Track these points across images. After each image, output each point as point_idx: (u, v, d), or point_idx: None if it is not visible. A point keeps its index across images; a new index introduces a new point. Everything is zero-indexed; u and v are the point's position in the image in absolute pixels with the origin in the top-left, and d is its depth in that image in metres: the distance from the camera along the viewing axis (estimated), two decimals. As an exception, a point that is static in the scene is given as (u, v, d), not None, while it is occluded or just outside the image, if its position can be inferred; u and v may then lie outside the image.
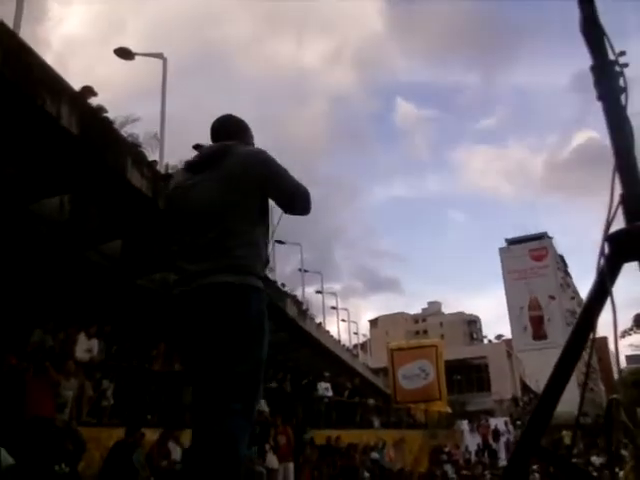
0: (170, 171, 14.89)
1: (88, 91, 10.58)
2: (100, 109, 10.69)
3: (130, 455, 8.19)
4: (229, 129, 2.89)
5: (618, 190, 1.64)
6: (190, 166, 2.79)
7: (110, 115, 11.10)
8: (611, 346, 77.84)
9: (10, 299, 8.78)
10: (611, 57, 1.76)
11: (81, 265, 10.44)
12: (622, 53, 1.77)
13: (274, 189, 2.71)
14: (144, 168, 10.54)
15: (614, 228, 1.64)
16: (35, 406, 7.60)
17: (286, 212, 2.81)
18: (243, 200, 2.61)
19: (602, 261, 1.62)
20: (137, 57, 15.08)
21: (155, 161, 13.55)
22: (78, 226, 9.76)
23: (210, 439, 2.42)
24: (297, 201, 2.77)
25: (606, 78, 1.74)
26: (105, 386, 9.71)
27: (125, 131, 10.97)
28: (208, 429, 2.45)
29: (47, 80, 8.05)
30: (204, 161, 2.74)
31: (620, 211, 1.64)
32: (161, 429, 9.43)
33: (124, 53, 14.77)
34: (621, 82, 1.74)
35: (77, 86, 9.65)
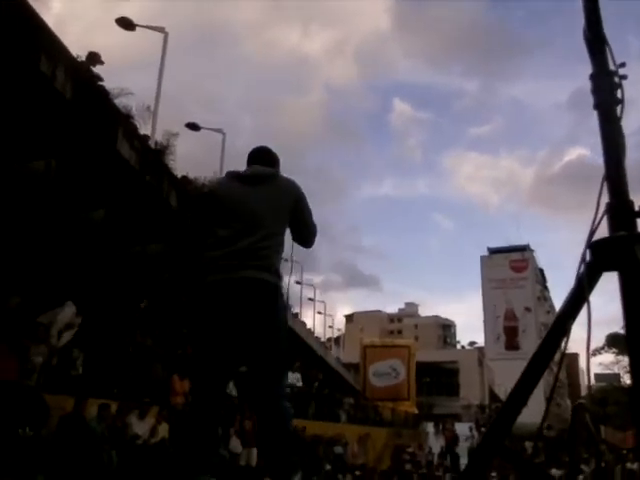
0: (158, 147, 14.79)
1: (94, 58, 10.45)
2: (96, 77, 10.57)
3: (80, 426, 8.10)
4: (268, 158, 3.49)
5: (605, 199, 1.65)
6: (241, 178, 3.34)
7: (104, 84, 10.99)
8: (581, 362, 78.76)
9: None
10: (611, 67, 1.76)
11: (65, 231, 10.31)
12: (622, 64, 1.77)
13: (299, 220, 3.32)
14: (135, 140, 10.46)
15: (598, 237, 1.65)
16: (1, 370, 7.52)
17: (294, 240, 3.41)
18: (283, 216, 3.24)
19: (582, 268, 1.63)
20: (138, 28, 14.91)
21: (147, 135, 13.44)
22: (63, 191, 9.64)
23: (275, 421, 3.02)
24: (309, 236, 3.43)
25: (604, 88, 1.74)
26: (75, 355, 9.63)
27: (118, 102, 10.84)
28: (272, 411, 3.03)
29: (45, 40, 7.94)
30: (258, 178, 3.30)
31: (605, 220, 1.65)
32: (125, 402, 9.39)
33: (125, 23, 14.58)
34: (618, 93, 1.75)
35: (73, 51, 9.53)
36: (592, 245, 1.63)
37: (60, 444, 7.64)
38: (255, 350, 3.03)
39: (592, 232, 1.65)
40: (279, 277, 3.15)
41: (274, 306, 3.07)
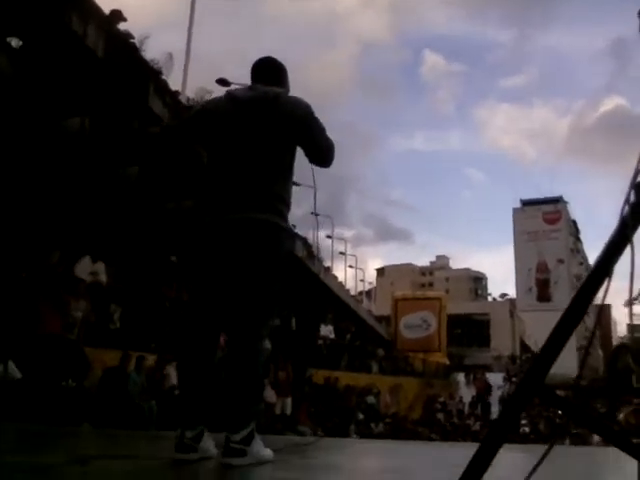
0: (191, 104, 14.80)
1: (117, 15, 10.41)
2: (127, 35, 10.54)
3: (123, 378, 8.39)
4: (273, 73, 3.03)
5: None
6: (237, 100, 2.90)
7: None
8: (614, 313, 77.93)
9: (33, 219, 8.86)
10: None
11: (101, 187, 10.44)
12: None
13: (311, 142, 2.94)
14: (166, 96, 10.46)
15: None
16: (45, 323, 7.76)
17: (312, 163, 3.05)
18: (287, 147, 2.87)
19: (626, 208, 1.60)
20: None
21: (177, 91, 13.43)
22: (97, 149, 9.74)
23: (244, 361, 2.70)
24: (326, 156, 3.03)
25: (652, 23, 1.69)
26: (112, 310, 9.89)
27: (144, 55, 10.76)
28: (243, 353, 2.71)
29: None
30: (255, 102, 2.85)
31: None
32: (162, 355, 9.65)
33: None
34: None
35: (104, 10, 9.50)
36: (637, 185, 1.60)
37: (104, 394, 7.94)
38: (243, 286, 2.73)
39: (637, 172, 1.61)
40: (278, 215, 2.80)
41: (270, 246, 2.76)
